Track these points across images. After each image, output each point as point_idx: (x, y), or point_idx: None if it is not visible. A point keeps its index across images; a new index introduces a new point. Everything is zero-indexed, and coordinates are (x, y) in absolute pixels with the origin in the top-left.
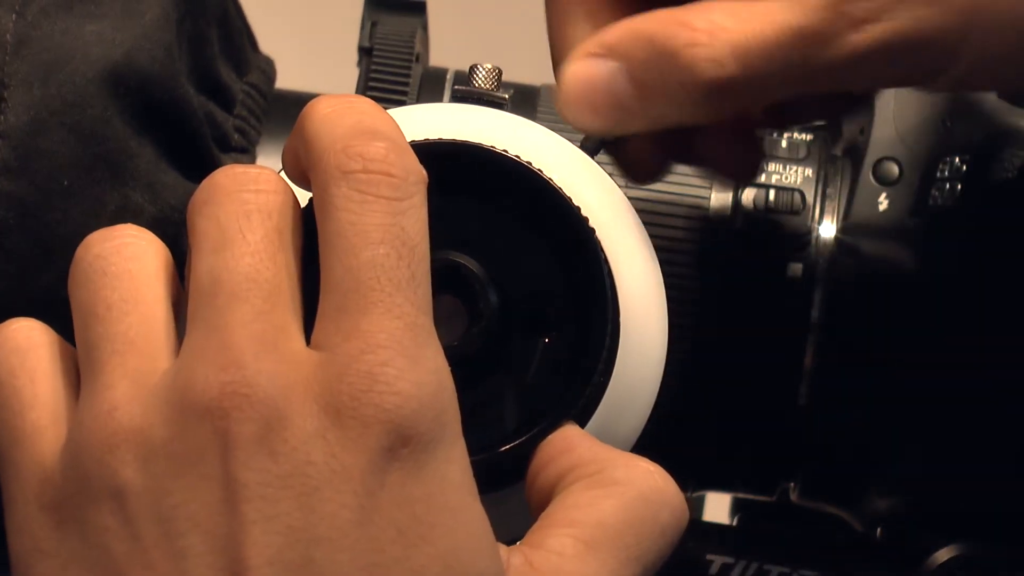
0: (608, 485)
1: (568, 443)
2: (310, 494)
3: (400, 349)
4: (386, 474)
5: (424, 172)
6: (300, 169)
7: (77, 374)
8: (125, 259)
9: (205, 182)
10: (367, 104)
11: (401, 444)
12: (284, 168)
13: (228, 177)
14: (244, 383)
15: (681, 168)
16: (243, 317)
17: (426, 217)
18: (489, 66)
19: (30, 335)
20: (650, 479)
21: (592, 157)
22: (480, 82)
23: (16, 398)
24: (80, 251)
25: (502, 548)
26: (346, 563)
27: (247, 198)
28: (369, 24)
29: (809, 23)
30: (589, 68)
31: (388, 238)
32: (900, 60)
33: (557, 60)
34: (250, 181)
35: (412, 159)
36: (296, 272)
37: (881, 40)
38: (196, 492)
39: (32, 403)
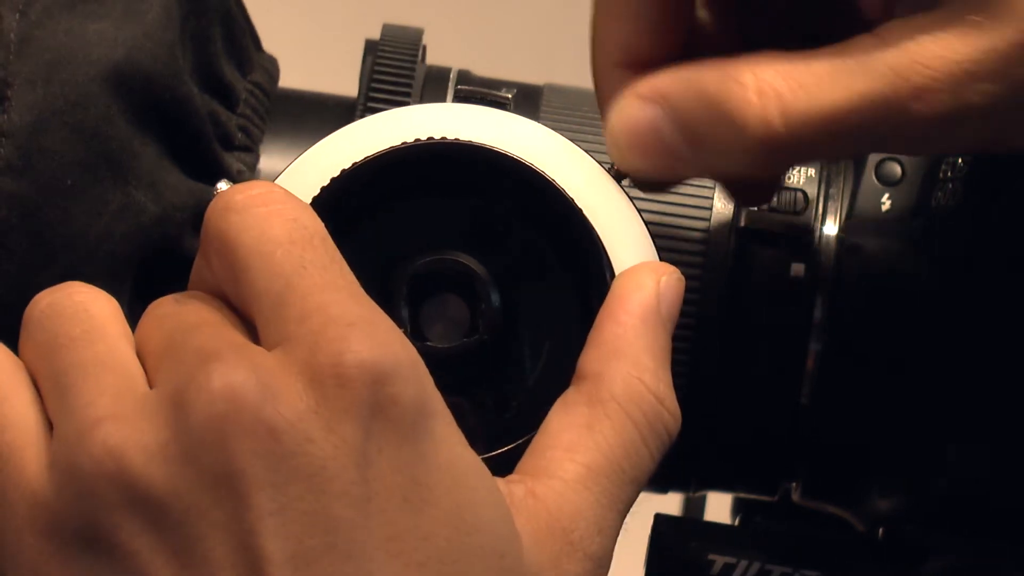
0: (607, 401)
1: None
2: (317, 473)
3: (359, 313)
4: (379, 438)
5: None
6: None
7: (43, 401)
8: (78, 302)
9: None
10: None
11: (388, 402)
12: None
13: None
14: (231, 379)
15: None
16: (205, 336)
17: (307, 207)
18: None
19: None
20: (649, 399)
21: (619, 182)
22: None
23: None
24: (28, 309)
25: (501, 483)
26: (366, 542)
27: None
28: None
29: (868, 91)
30: (638, 110)
31: (293, 233)
32: (964, 132)
33: (601, 72)
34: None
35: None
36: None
37: (944, 113)
38: (205, 494)
39: (4, 425)
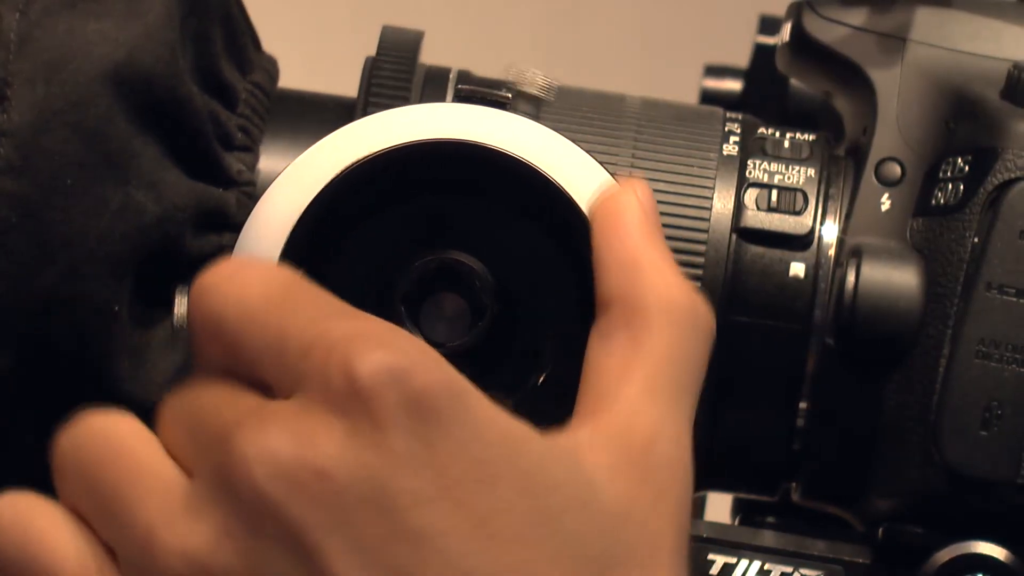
0: (644, 315)
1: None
2: (380, 494)
3: (357, 326)
4: (424, 433)
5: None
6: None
7: (87, 526)
8: (99, 429)
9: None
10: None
11: (418, 397)
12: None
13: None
14: (261, 441)
15: (683, 168)
16: (222, 414)
17: (272, 262)
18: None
19: (20, 503)
20: (682, 301)
21: None
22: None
23: (38, 565)
24: (56, 449)
25: (561, 437)
26: (455, 537)
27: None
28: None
29: None
30: None
31: (268, 288)
32: None
33: None
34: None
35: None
36: None
37: None
38: (279, 559)
39: (64, 570)
